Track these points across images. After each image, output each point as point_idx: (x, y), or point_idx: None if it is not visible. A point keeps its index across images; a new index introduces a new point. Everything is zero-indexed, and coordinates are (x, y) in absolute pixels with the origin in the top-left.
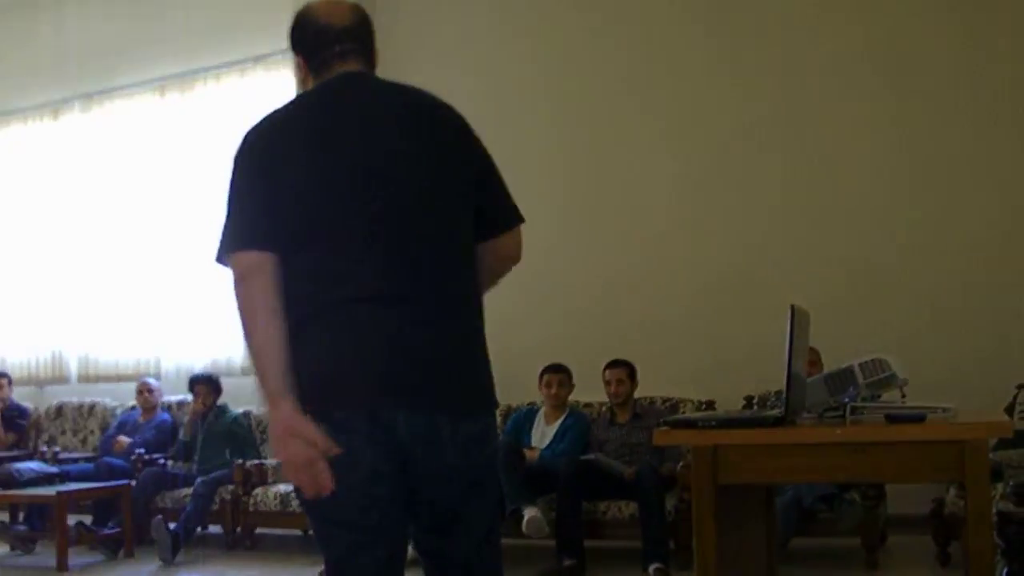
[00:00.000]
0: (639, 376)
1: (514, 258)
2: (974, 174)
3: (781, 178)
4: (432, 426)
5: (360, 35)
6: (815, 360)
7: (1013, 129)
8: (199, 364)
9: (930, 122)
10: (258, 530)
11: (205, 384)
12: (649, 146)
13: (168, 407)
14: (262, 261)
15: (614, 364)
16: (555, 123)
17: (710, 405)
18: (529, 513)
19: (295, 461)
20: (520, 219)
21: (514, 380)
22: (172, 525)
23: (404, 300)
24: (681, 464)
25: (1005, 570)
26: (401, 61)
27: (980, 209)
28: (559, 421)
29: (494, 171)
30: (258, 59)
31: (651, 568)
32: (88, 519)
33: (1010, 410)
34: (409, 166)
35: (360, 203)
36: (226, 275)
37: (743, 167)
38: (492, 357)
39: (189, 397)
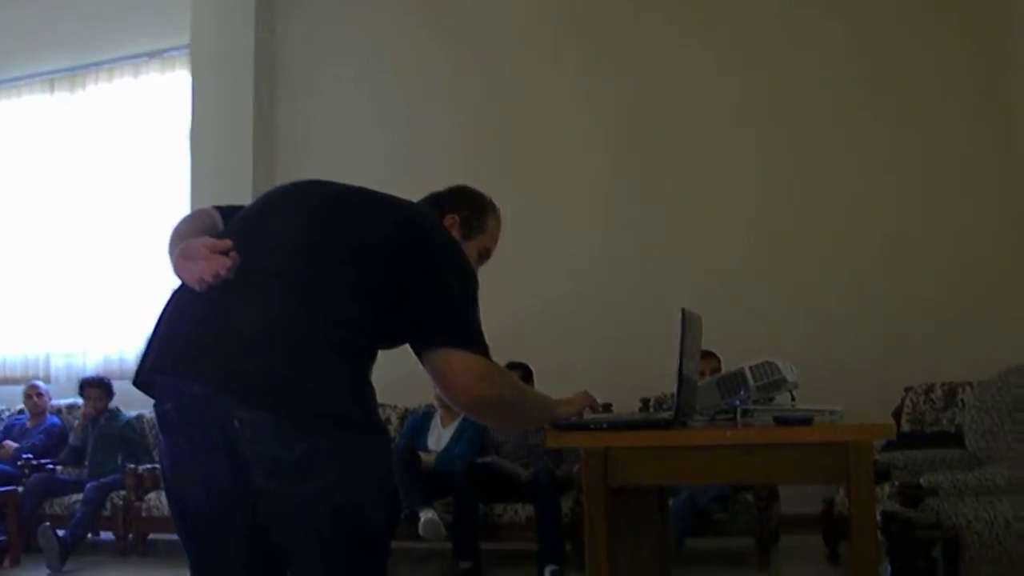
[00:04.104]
0: (536, 379)
1: (446, 388)
2: (865, 181)
3: (682, 186)
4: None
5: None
6: (716, 367)
7: (906, 128)
8: (91, 364)
9: (814, 125)
10: (151, 536)
11: (96, 387)
12: (551, 153)
13: (58, 411)
14: None
15: (510, 367)
16: (460, 125)
17: (607, 408)
18: (425, 516)
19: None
20: (451, 343)
21: (411, 381)
22: (61, 532)
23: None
24: (577, 466)
25: (890, 568)
26: (303, 61)
27: (872, 214)
28: (455, 423)
29: (438, 288)
30: (153, 55)
31: (547, 570)
32: None
33: (898, 413)
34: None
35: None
36: (115, 270)
37: (643, 175)
38: (388, 358)
39: (80, 400)
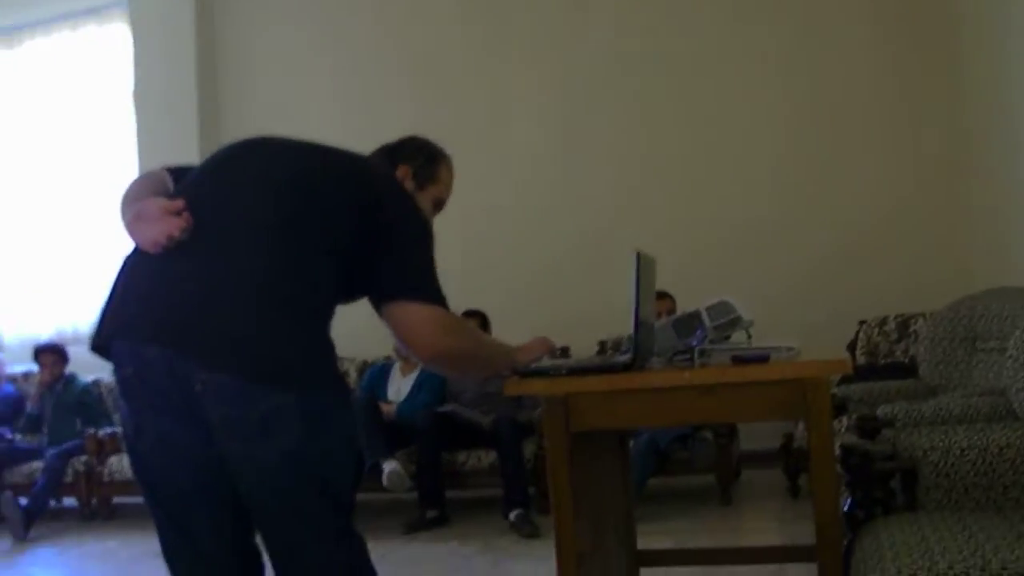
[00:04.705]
0: (496, 326)
1: (408, 341)
2: (803, 105)
3: (633, 123)
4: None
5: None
6: (671, 307)
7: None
8: (44, 331)
9: (743, 48)
10: (115, 499)
11: (51, 353)
12: (511, 93)
13: (13, 379)
14: None
15: (467, 315)
16: (410, 72)
17: (565, 352)
18: (389, 467)
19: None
20: (410, 296)
21: (367, 333)
22: (23, 500)
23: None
24: (538, 411)
25: (850, 500)
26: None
27: (814, 139)
28: (414, 374)
29: (395, 241)
30: (91, 11)
31: (512, 514)
32: None
33: (853, 346)
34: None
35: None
36: (64, 235)
37: (606, 118)
38: (343, 312)
39: (35, 368)
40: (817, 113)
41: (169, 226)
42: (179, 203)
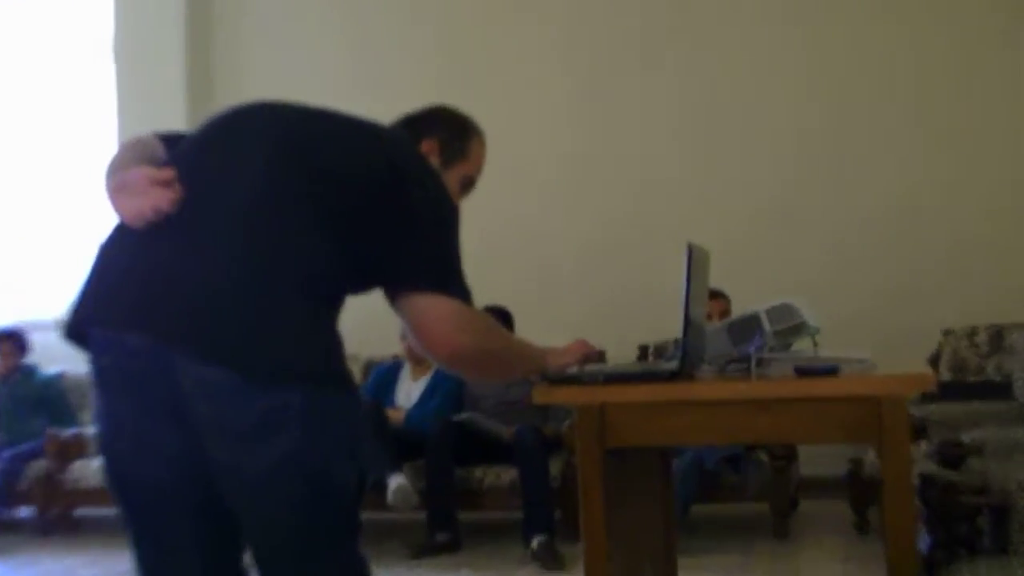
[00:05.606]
0: (520, 324)
1: (423, 338)
2: (890, 105)
3: (679, 106)
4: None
5: None
6: (725, 308)
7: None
8: (2, 315)
9: (849, 50)
10: (77, 511)
11: (7, 341)
12: (530, 68)
13: None
14: None
15: (489, 310)
16: (423, 36)
17: (601, 357)
18: (395, 482)
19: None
20: (429, 287)
21: (375, 328)
22: None
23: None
24: (567, 423)
25: (928, 539)
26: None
27: (905, 137)
28: (427, 376)
29: (415, 224)
30: None
31: (534, 541)
32: None
33: (936, 360)
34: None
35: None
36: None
37: (640, 94)
38: (349, 303)
39: None
40: (916, 94)
41: (157, 198)
42: (169, 173)
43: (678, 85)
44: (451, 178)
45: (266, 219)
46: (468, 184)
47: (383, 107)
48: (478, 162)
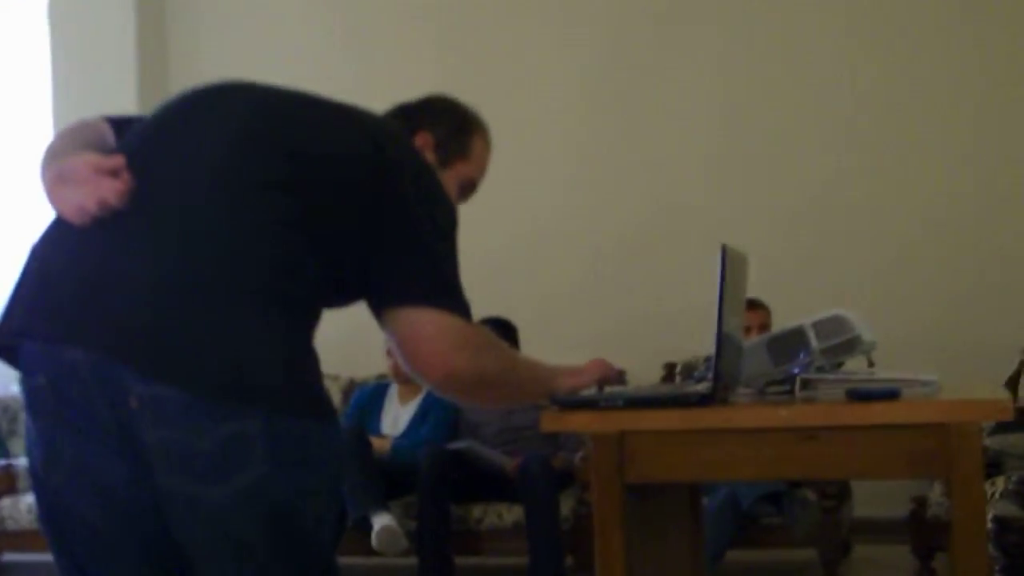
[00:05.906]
0: (528, 341)
1: (413, 358)
2: (939, 110)
3: (710, 95)
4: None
5: None
6: (765, 321)
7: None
8: None
9: (894, 53)
10: (5, 556)
11: None
12: (541, 53)
13: None
14: None
15: (488, 324)
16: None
17: (620, 377)
18: (380, 522)
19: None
20: (422, 300)
21: (357, 345)
22: None
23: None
24: (580, 455)
25: None
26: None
27: (968, 125)
28: (417, 399)
29: (407, 228)
30: None
31: None
32: None
33: (1013, 384)
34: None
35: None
36: None
37: (675, 88)
38: (328, 317)
39: None
40: (981, 87)
41: (102, 189)
42: (117, 160)
43: (709, 73)
44: (449, 179)
45: (227, 213)
46: (468, 187)
47: (365, 92)
48: (480, 163)
